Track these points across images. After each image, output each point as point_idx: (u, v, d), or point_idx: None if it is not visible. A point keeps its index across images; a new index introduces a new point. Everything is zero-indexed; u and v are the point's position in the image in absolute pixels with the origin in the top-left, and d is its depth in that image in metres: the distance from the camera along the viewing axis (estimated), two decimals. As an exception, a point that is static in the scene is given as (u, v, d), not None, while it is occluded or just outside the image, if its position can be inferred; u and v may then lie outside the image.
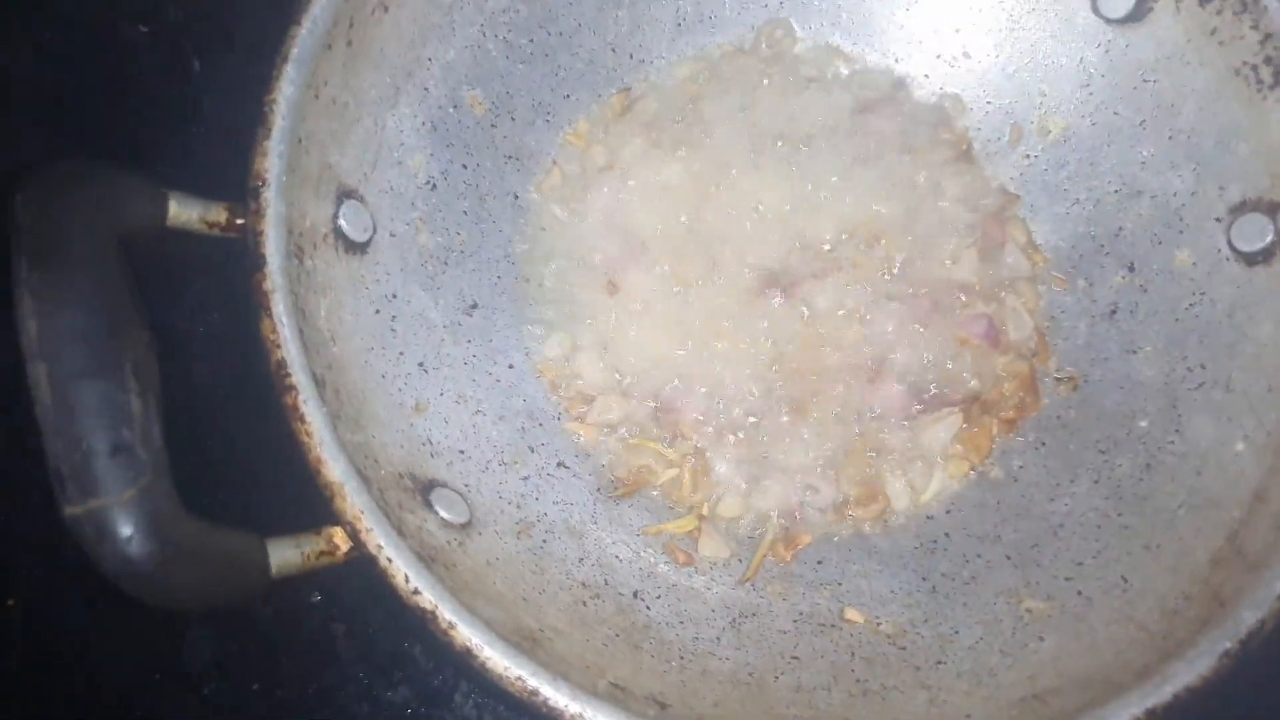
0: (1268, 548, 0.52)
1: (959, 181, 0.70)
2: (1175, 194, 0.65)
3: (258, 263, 0.50)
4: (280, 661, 0.66)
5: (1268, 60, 0.60)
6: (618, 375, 0.67)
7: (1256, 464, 0.56)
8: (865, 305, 0.67)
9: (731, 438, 0.65)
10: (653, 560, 0.62)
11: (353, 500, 0.48)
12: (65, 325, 0.42)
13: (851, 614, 0.60)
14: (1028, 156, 0.71)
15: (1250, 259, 0.61)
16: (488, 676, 0.46)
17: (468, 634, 0.46)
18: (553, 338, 0.67)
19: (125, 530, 0.40)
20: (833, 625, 0.60)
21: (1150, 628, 0.54)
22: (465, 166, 0.66)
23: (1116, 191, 0.67)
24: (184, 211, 0.51)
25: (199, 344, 0.68)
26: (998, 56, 0.71)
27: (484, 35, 0.66)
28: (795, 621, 0.60)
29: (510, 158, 0.69)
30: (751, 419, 0.66)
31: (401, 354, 0.59)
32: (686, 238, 0.68)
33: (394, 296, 0.60)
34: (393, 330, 0.59)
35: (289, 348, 0.49)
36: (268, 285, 0.50)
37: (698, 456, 0.65)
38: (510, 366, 0.66)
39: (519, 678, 0.46)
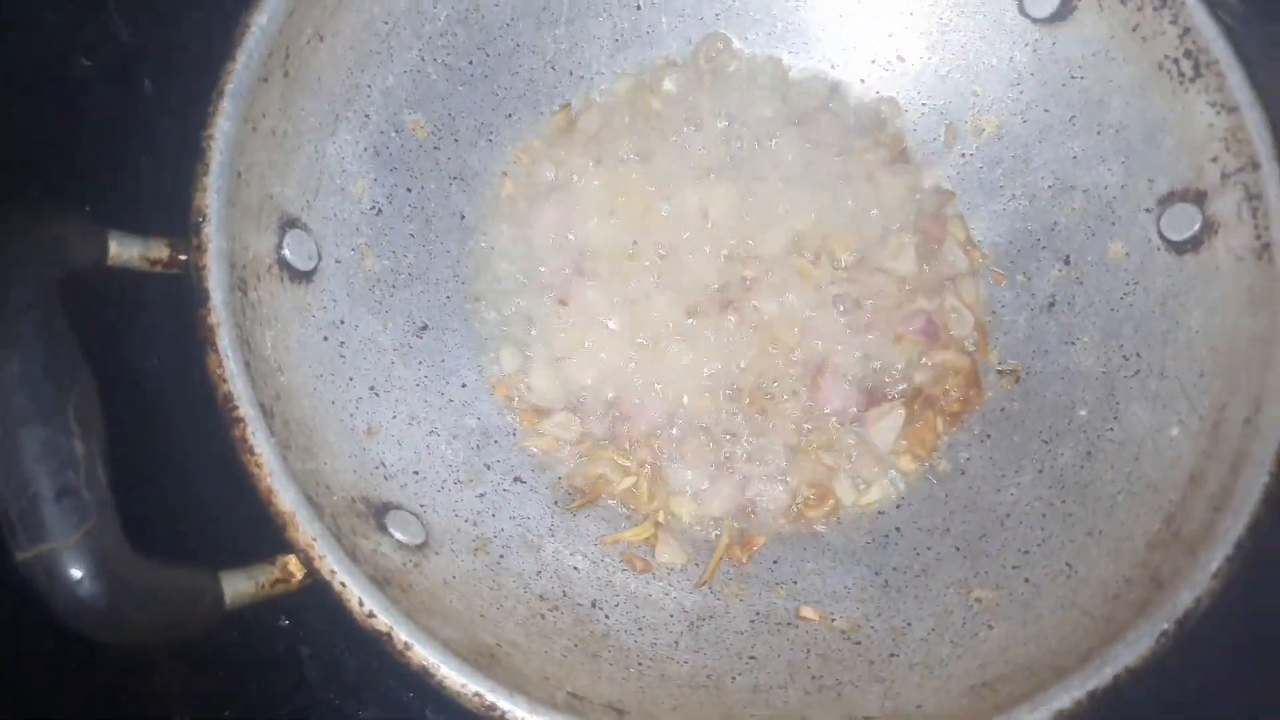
0: (1203, 529, 0.54)
1: (897, 182, 0.71)
2: (1106, 187, 0.66)
3: (201, 298, 0.51)
4: (250, 688, 0.67)
5: (1187, 54, 0.61)
6: (571, 388, 0.67)
7: (1191, 448, 0.58)
8: (810, 308, 0.68)
9: (685, 444, 0.66)
10: (611, 569, 0.62)
11: (305, 529, 0.48)
12: (7, 373, 0.42)
13: (807, 611, 0.61)
14: (963, 155, 0.72)
15: (1180, 248, 0.63)
16: (445, 694, 0.47)
17: (424, 654, 0.47)
18: (505, 354, 0.68)
19: (75, 573, 0.41)
20: (789, 624, 0.61)
21: (1094, 612, 0.55)
22: (410, 190, 0.67)
23: (1050, 187, 0.69)
24: (124, 250, 0.52)
25: (146, 378, 0.68)
26: (930, 59, 0.73)
27: (423, 59, 0.67)
28: (752, 622, 0.61)
29: (455, 179, 0.69)
30: (704, 425, 0.67)
31: (351, 379, 0.60)
32: (634, 250, 0.69)
33: (341, 323, 0.61)
34: (342, 356, 0.60)
35: (235, 381, 0.50)
36: (212, 320, 0.51)
37: (653, 464, 0.66)
38: (463, 385, 0.66)
39: (476, 694, 0.47)
